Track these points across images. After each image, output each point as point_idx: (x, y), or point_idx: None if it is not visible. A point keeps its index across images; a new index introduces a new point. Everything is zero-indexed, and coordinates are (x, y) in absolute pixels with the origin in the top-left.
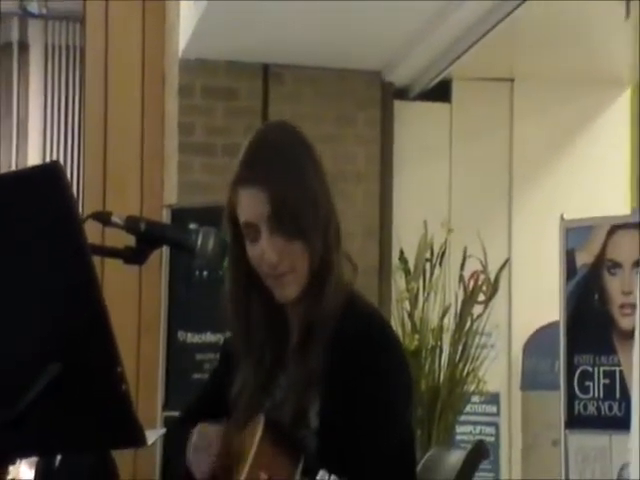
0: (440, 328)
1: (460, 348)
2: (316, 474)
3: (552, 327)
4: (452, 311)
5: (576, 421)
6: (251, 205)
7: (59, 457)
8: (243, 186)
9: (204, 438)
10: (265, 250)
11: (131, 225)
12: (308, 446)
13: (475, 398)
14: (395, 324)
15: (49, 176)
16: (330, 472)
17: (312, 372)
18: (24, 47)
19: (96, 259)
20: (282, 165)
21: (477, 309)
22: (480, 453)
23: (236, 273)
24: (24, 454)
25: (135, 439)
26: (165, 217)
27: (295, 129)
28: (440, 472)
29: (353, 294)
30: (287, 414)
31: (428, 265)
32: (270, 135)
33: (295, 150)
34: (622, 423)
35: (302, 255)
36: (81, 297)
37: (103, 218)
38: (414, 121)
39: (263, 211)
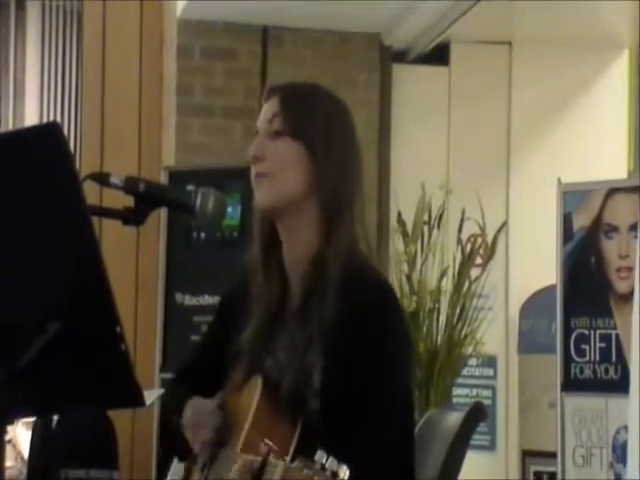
0: (438, 290)
1: (458, 310)
2: (314, 453)
3: (549, 290)
4: (450, 273)
5: (572, 384)
6: (262, 113)
7: (56, 418)
8: (264, 102)
9: (199, 413)
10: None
11: (130, 186)
12: (310, 407)
13: (472, 361)
14: (393, 286)
15: (48, 136)
16: (329, 451)
17: (313, 334)
18: (21, 6)
19: (94, 220)
20: (303, 92)
21: (475, 271)
22: (478, 414)
23: (261, 229)
24: (23, 414)
25: (133, 399)
26: (163, 179)
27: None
28: (438, 433)
29: (365, 260)
30: (290, 375)
31: (426, 228)
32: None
33: (322, 94)
34: (618, 386)
35: (284, 161)
36: (80, 257)
37: (101, 179)
38: (412, 84)
39: (267, 115)
